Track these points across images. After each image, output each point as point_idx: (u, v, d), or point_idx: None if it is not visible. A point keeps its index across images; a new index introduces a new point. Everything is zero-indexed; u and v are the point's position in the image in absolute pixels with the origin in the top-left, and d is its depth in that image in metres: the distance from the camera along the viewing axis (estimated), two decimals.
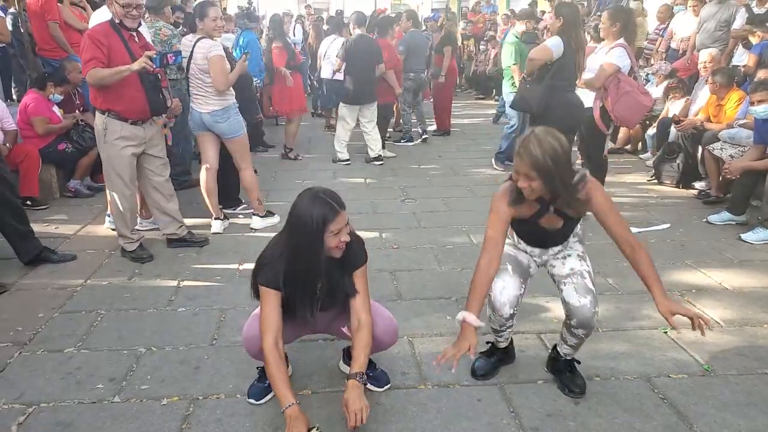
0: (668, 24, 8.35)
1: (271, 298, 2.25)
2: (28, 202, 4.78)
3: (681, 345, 2.92)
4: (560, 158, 2.13)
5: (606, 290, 3.55)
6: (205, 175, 4.50)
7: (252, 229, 4.60)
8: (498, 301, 2.51)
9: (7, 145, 4.80)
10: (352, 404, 2.14)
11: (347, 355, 2.66)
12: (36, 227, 4.06)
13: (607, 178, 5.31)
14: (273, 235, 4.17)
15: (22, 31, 6.74)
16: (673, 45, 8.04)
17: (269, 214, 4.68)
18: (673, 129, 6.03)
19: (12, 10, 7.16)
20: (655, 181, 5.90)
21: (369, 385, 2.56)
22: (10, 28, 6.86)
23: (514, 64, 6.41)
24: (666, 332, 3.04)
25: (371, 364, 2.60)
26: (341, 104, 6.83)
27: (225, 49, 4.52)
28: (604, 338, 3.00)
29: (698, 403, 2.47)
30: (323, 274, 2.26)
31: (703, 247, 4.23)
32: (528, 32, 6.87)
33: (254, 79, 6.54)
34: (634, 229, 4.49)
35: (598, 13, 8.15)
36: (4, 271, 3.77)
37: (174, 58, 3.78)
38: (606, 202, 2.31)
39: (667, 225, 4.65)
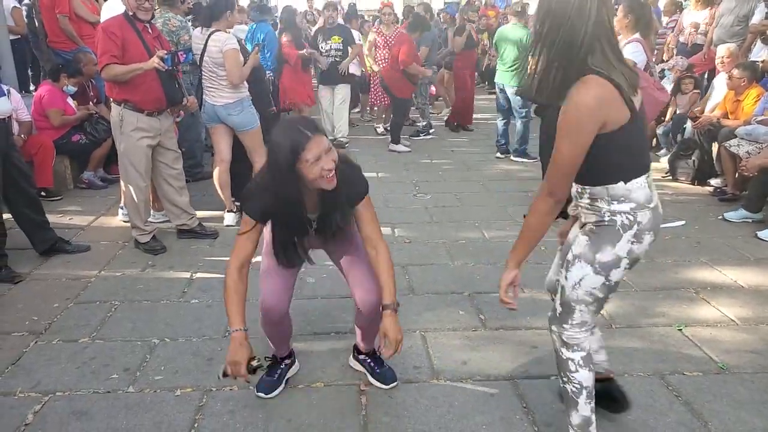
0: (677, 19, 8.27)
1: (249, 227, 2.20)
2: (43, 193, 4.80)
3: (696, 342, 2.90)
4: None
5: (619, 286, 3.49)
6: (218, 168, 4.51)
7: None
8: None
9: (22, 136, 4.83)
10: (391, 333, 2.18)
11: (357, 351, 2.66)
12: (50, 218, 4.09)
13: None
14: None
15: (36, 23, 6.77)
16: (682, 39, 7.95)
17: None
18: (688, 125, 5.97)
19: (26, 1, 7.20)
20: (670, 177, 5.84)
21: (374, 381, 2.56)
22: (25, 19, 6.91)
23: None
24: (681, 329, 3.01)
25: (378, 360, 2.59)
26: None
27: (238, 41, 4.52)
28: (617, 335, 2.98)
29: (713, 401, 2.45)
30: (319, 209, 2.19)
31: (718, 244, 4.19)
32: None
33: (267, 72, 6.54)
34: None
35: (616, 6, 8.06)
36: (20, 260, 3.80)
37: (185, 56, 3.80)
38: None
39: (683, 222, 4.60)
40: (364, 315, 2.40)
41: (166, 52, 3.69)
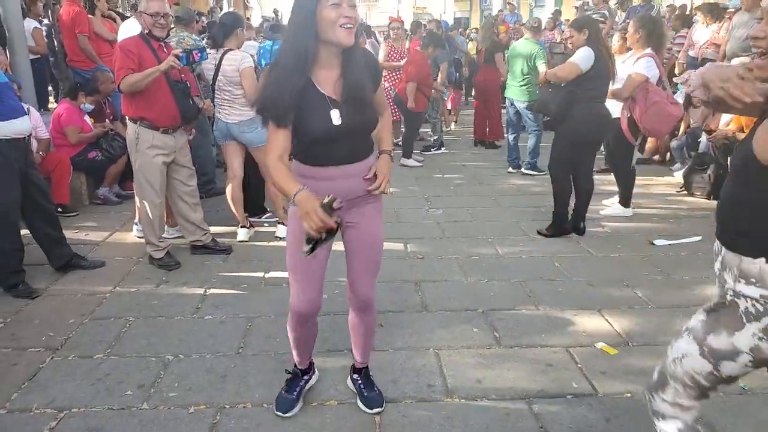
0: (685, 34, 8.26)
1: (279, 135, 2.03)
2: (59, 209, 4.85)
3: None
4: None
5: (636, 304, 3.48)
6: (231, 184, 4.55)
7: (277, 237, 4.62)
8: None
9: (41, 153, 4.91)
10: (381, 169, 2.15)
11: (353, 369, 2.62)
12: (66, 234, 4.13)
13: (636, 190, 5.25)
14: None
15: (55, 42, 6.90)
16: (692, 53, 7.93)
17: None
18: (703, 139, 5.93)
19: (46, 21, 7.35)
20: (685, 192, 5.79)
21: (360, 404, 2.52)
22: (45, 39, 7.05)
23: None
24: None
25: (368, 382, 2.56)
26: None
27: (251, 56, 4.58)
28: (635, 353, 2.94)
29: (735, 422, 2.41)
30: (343, 91, 2.02)
31: None
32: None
33: None
34: (664, 242, 4.44)
35: (627, 20, 8.08)
36: (36, 276, 3.84)
37: (199, 55, 3.82)
38: None
39: (699, 237, 4.55)
40: (356, 305, 2.39)
41: (181, 50, 3.73)
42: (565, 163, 4.56)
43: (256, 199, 4.96)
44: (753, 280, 1.44)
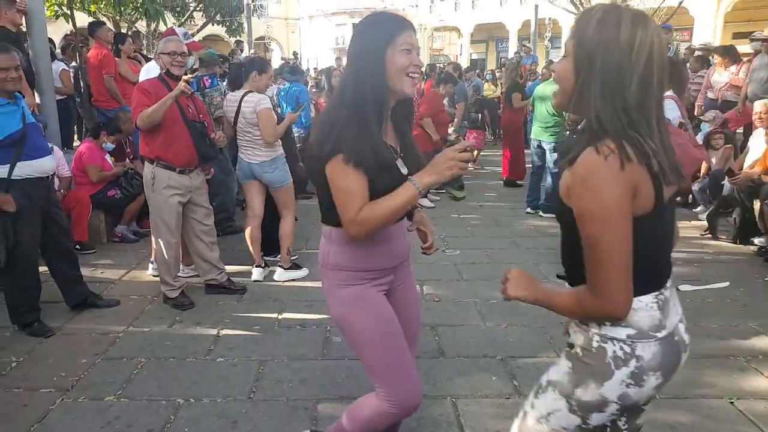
0: (704, 75, 8.24)
1: (364, 187, 1.72)
2: (77, 246, 4.87)
3: (750, 417, 2.70)
4: None
5: None
6: (250, 224, 4.56)
7: (275, 280, 4.56)
8: None
9: (62, 191, 4.97)
10: (427, 224, 2.07)
11: None
12: (83, 271, 4.12)
13: None
14: (310, 285, 4.11)
15: (81, 83, 7.09)
16: (711, 95, 7.88)
17: (295, 266, 4.64)
18: (726, 181, 5.83)
19: (73, 63, 7.57)
20: (710, 236, 5.66)
21: None
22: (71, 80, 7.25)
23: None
24: (732, 402, 2.82)
25: None
26: None
27: (270, 98, 4.64)
28: (663, 406, 2.80)
29: None
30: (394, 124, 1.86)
31: (767, 308, 3.99)
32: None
33: (294, 130, 6.65)
34: (689, 287, 4.30)
35: None
36: (52, 313, 3.82)
37: (210, 81, 3.87)
38: None
39: (726, 283, 4.40)
40: None
41: (191, 76, 3.77)
42: None
43: (272, 237, 4.93)
44: (619, 320, 1.37)
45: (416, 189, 1.68)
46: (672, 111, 4.51)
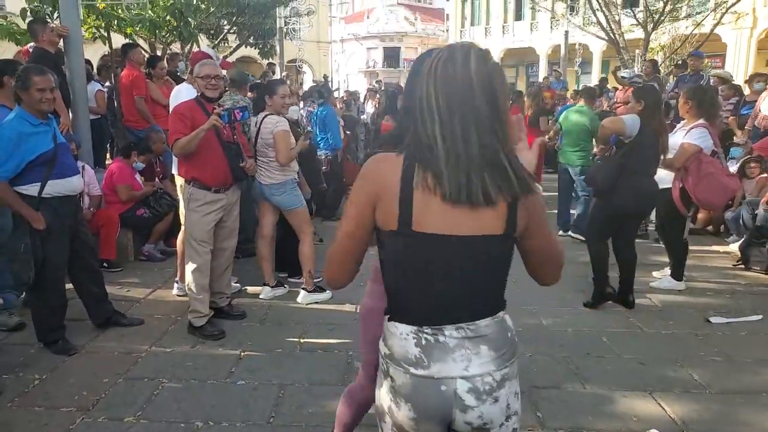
0: (734, 102, 8.08)
1: None
2: (105, 265, 4.95)
3: None
4: None
5: (692, 387, 3.24)
6: (259, 242, 4.61)
7: (298, 303, 4.55)
8: None
9: (92, 209, 5.06)
10: None
11: None
12: (109, 289, 4.18)
13: (690, 262, 5.00)
14: (333, 308, 4.06)
15: (115, 103, 7.27)
16: (756, 123, 7.69)
17: (319, 289, 4.63)
18: (760, 211, 5.67)
19: (107, 84, 7.77)
20: (743, 266, 5.48)
21: None
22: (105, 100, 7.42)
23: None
24: None
25: None
26: None
27: (296, 121, 4.67)
28: None
29: None
30: None
31: None
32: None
33: (318, 151, 6.70)
34: (721, 319, 4.17)
35: (676, 90, 7.99)
36: (76, 332, 3.86)
37: (241, 114, 3.90)
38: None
39: (760, 316, 4.25)
40: None
41: (223, 108, 3.80)
42: (601, 230, 4.44)
43: (296, 259, 4.94)
44: (383, 336, 1.43)
45: None
46: (705, 140, 4.42)
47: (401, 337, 1.38)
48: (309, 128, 6.37)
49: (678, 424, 2.86)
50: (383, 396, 1.44)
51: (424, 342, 1.35)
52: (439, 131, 1.30)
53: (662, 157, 4.33)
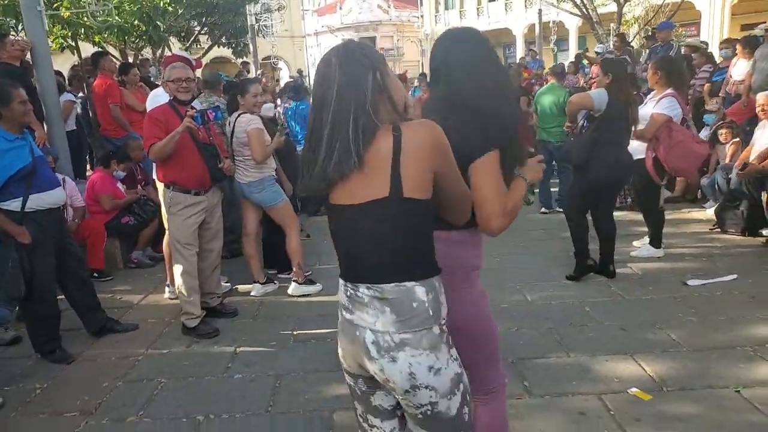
0: (708, 70, 8.21)
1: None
2: (95, 274, 4.99)
3: (757, 405, 2.73)
4: None
5: (670, 347, 3.38)
6: (244, 240, 4.68)
7: (289, 294, 4.64)
8: None
9: (76, 220, 5.10)
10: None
11: None
12: (101, 297, 4.22)
13: (668, 229, 5.16)
14: (324, 300, 4.13)
15: (90, 113, 7.25)
16: (728, 89, 7.83)
17: (309, 282, 4.71)
18: (733, 175, 5.83)
19: (80, 94, 7.74)
20: (719, 230, 5.65)
21: None
22: (79, 110, 7.39)
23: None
24: (739, 391, 2.84)
25: None
26: None
27: (272, 118, 4.70)
28: (671, 398, 2.84)
29: None
30: None
31: None
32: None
33: (298, 147, 6.73)
34: (697, 281, 4.32)
35: (646, 64, 8.13)
36: (73, 341, 3.92)
37: (214, 114, 3.94)
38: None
39: (734, 276, 4.41)
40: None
41: (195, 110, 3.82)
42: (579, 203, 4.57)
43: (284, 254, 5.02)
44: None
45: (525, 185, 1.89)
46: (673, 108, 4.55)
47: (341, 286, 1.61)
48: (285, 124, 6.40)
49: (657, 381, 3.00)
50: None
51: (348, 294, 1.58)
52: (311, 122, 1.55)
53: (633, 128, 4.45)
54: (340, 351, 1.65)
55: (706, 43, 11.32)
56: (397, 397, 1.56)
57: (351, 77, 1.46)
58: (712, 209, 6.03)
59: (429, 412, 1.51)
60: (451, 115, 1.77)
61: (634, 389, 2.92)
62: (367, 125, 1.45)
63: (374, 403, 1.64)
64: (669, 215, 5.19)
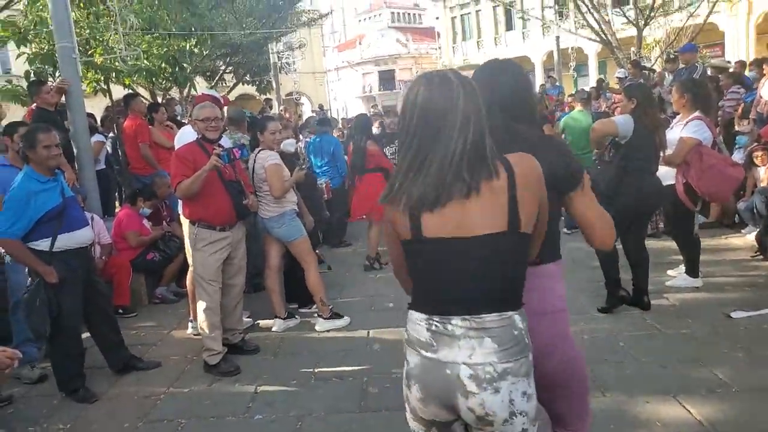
0: (737, 91, 8.02)
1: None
2: (120, 311, 5.00)
3: None
4: None
5: (716, 386, 3.16)
6: (267, 275, 4.64)
7: (316, 331, 4.55)
8: None
9: (103, 258, 5.13)
10: None
11: None
12: (125, 334, 4.21)
13: (706, 257, 4.93)
14: (346, 335, 4.06)
15: (119, 152, 7.41)
16: (759, 109, 7.63)
17: (336, 316, 4.63)
18: None
19: (111, 134, 7.94)
20: (761, 256, 5.38)
21: None
22: (109, 149, 7.56)
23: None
24: None
25: None
26: None
27: (294, 153, 4.69)
28: None
29: None
30: None
31: None
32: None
33: (318, 180, 6.71)
34: (742, 314, 4.09)
35: (670, 87, 7.98)
36: (96, 379, 3.89)
37: (240, 152, 3.97)
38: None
39: None
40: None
41: (222, 149, 3.85)
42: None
43: (305, 289, 4.95)
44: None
45: None
46: (702, 132, 4.40)
47: (416, 322, 1.53)
48: (306, 158, 6.41)
49: (705, 425, 2.79)
50: (403, 385, 1.58)
51: (434, 328, 1.49)
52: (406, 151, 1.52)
53: (661, 154, 4.31)
54: (414, 398, 1.54)
55: (742, 62, 11.00)
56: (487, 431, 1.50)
57: (476, 104, 1.48)
58: (753, 234, 5.78)
59: None
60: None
61: None
62: (484, 154, 1.46)
63: None
64: (706, 242, 4.97)
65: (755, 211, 6.01)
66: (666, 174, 4.44)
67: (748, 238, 5.94)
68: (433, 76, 1.52)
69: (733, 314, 4.12)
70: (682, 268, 4.93)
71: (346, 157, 6.96)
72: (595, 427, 2.82)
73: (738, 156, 6.75)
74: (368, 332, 4.41)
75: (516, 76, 1.95)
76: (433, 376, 1.49)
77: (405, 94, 1.54)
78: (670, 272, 5.08)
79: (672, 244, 5.35)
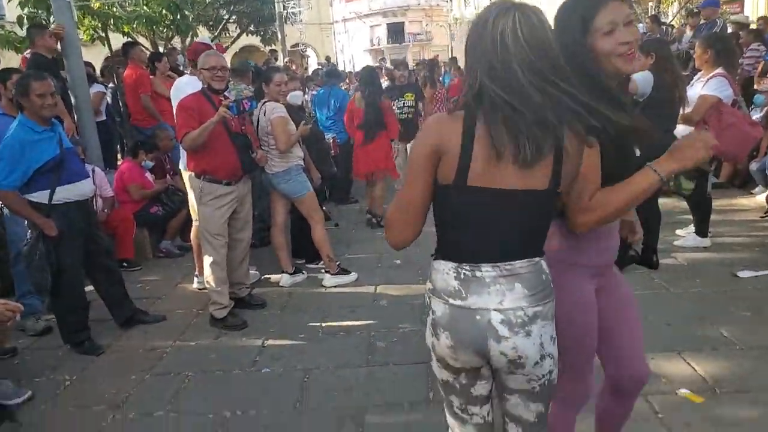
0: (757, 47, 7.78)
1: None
2: (125, 264, 4.98)
3: None
4: None
5: (721, 344, 3.17)
6: (273, 230, 4.60)
7: (323, 286, 4.55)
8: None
9: (106, 210, 5.08)
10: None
11: None
12: (130, 287, 4.19)
13: (715, 217, 4.88)
14: (353, 291, 4.06)
15: (120, 103, 7.26)
16: None
17: (343, 271, 4.61)
18: None
19: (111, 85, 7.77)
20: None
21: None
22: (109, 101, 7.41)
23: None
24: None
25: None
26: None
27: (300, 106, 4.58)
28: (725, 402, 2.64)
29: None
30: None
31: None
32: None
33: (326, 135, 6.57)
34: (749, 273, 4.07)
35: (692, 41, 7.77)
36: (101, 332, 3.90)
37: (249, 104, 3.87)
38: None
39: None
40: (624, 387, 2.02)
41: (230, 100, 3.76)
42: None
43: (311, 245, 4.93)
44: (429, 271, 1.56)
45: (658, 176, 1.63)
46: (724, 89, 4.27)
47: (443, 272, 1.50)
48: (312, 112, 6.28)
49: (709, 382, 2.80)
50: (427, 334, 1.56)
51: (463, 276, 1.47)
52: (501, 89, 1.37)
53: (681, 111, 4.19)
54: (443, 346, 1.51)
55: (766, 19, 10.61)
56: (517, 374, 1.51)
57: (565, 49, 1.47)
58: (763, 195, 5.71)
59: (547, 382, 1.53)
60: None
61: (684, 391, 2.73)
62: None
63: (475, 394, 1.60)
64: (716, 202, 4.90)
65: (767, 171, 5.92)
66: (681, 132, 4.32)
67: (758, 198, 5.88)
68: (526, 8, 1.41)
69: (740, 273, 4.11)
70: (692, 227, 4.88)
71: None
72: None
73: (756, 116, 6.60)
74: (375, 288, 4.40)
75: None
76: (463, 324, 1.47)
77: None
78: (678, 232, 5.04)
79: (681, 203, 5.29)
